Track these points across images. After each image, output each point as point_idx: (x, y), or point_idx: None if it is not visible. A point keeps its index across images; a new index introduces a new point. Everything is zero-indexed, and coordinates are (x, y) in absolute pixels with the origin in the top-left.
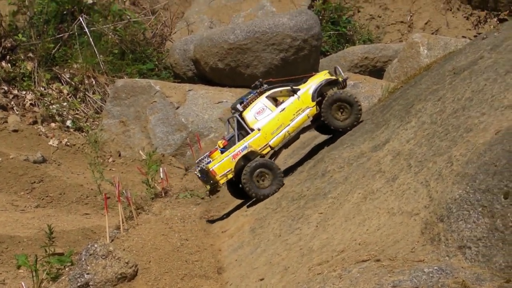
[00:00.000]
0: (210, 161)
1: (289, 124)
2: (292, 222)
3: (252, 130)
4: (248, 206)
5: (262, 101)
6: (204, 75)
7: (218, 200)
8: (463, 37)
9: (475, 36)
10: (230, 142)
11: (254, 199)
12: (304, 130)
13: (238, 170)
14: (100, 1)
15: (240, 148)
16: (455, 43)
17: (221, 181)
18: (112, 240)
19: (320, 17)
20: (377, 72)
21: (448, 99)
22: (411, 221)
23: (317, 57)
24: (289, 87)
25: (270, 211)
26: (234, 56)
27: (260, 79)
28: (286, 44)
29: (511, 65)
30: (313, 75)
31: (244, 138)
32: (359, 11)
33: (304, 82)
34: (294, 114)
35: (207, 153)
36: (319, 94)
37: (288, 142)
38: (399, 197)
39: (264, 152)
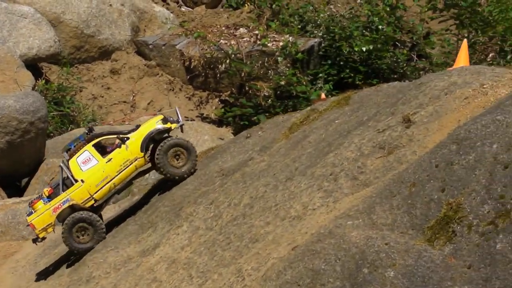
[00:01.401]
0: (31, 212)
1: (115, 176)
2: None
3: (76, 181)
4: None
5: (89, 150)
6: None
7: None
8: (186, 117)
9: (197, 117)
10: (56, 190)
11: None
12: (139, 174)
13: (63, 219)
14: None
15: (61, 201)
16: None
17: (41, 235)
18: None
19: (43, 98)
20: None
21: (223, 203)
22: None
23: (44, 139)
24: (117, 135)
25: None
26: None
27: (91, 124)
28: (12, 127)
29: (290, 171)
30: (145, 122)
31: (67, 190)
32: (81, 91)
33: (134, 130)
34: (121, 165)
35: (30, 202)
36: (150, 143)
37: (118, 191)
38: None
39: (88, 205)
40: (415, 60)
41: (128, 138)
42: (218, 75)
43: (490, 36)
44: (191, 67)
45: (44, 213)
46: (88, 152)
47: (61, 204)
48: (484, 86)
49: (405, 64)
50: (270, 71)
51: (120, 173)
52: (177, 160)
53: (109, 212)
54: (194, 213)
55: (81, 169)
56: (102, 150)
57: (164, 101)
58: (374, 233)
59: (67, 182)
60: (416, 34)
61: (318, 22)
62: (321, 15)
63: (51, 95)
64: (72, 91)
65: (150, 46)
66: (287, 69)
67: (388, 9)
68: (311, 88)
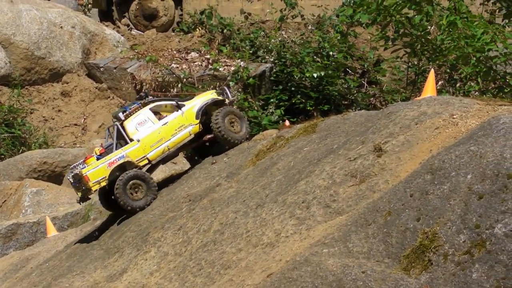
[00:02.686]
0: (85, 167)
1: (169, 139)
2: None
3: (132, 140)
4: None
5: (145, 113)
6: None
7: None
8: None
9: None
10: (108, 151)
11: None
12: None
13: (112, 181)
14: None
15: (117, 156)
16: None
17: (94, 188)
18: None
19: None
20: (56, 177)
21: (191, 229)
22: None
23: None
24: (174, 102)
25: None
26: None
27: (146, 90)
28: None
29: (260, 198)
30: (199, 94)
31: (122, 148)
32: (32, 113)
33: (190, 99)
34: (176, 130)
35: (82, 159)
36: (204, 113)
37: (166, 158)
38: None
39: (141, 164)
40: (365, 86)
41: (184, 105)
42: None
43: (439, 64)
44: (143, 90)
45: (99, 167)
46: (144, 114)
47: (117, 159)
48: (454, 116)
49: (355, 91)
50: None
51: (174, 137)
52: (233, 126)
53: (71, 236)
54: (162, 238)
55: (137, 129)
56: (157, 115)
57: None
58: (350, 261)
59: (120, 143)
60: (366, 61)
61: (270, 48)
62: (273, 40)
63: (2, 117)
64: (23, 113)
65: (101, 69)
66: (239, 94)
67: (339, 36)
68: (262, 113)
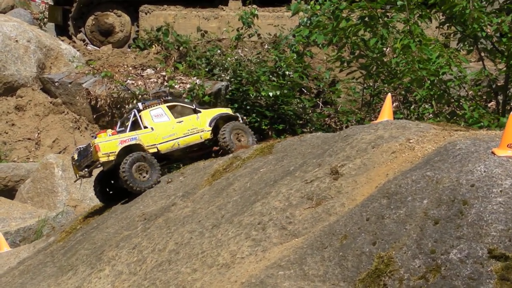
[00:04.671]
0: (96, 138)
1: (181, 137)
2: None
3: (146, 127)
4: None
5: (162, 108)
6: None
7: None
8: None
9: None
10: (120, 133)
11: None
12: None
13: (116, 164)
14: None
15: (130, 136)
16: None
17: (102, 159)
18: None
19: None
20: (8, 192)
21: (146, 248)
22: None
23: None
24: (192, 106)
25: None
26: None
27: (165, 90)
28: None
29: (216, 219)
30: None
31: (137, 131)
32: None
33: (208, 109)
34: (189, 130)
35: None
36: (216, 124)
37: (172, 157)
38: None
39: (150, 151)
40: (320, 107)
41: (200, 112)
42: (125, 115)
43: (394, 87)
44: (98, 106)
45: (111, 141)
46: (162, 109)
47: (130, 139)
48: (411, 141)
49: (310, 111)
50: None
51: (186, 136)
52: (239, 140)
53: (24, 252)
54: (117, 257)
55: (152, 120)
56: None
57: (69, 139)
58: (306, 284)
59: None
60: (322, 81)
61: (226, 66)
62: (229, 58)
63: None
64: None
65: (56, 84)
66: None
67: (295, 56)
68: None
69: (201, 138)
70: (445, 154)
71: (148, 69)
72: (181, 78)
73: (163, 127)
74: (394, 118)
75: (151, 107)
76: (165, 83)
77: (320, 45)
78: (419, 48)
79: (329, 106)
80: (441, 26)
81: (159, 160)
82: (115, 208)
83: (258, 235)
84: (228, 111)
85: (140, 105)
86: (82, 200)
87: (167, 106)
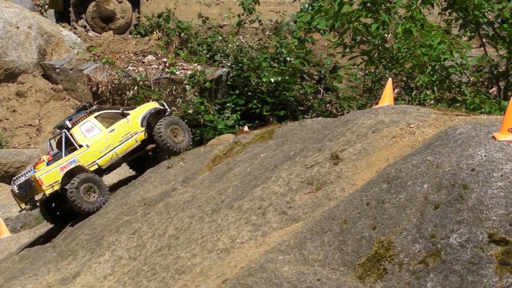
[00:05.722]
0: (36, 171)
1: (117, 145)
2: None
3: (81, 146)
4: None
5: (92, 120)
6: None
7: None
8: None
9: None
10: (56, 158)
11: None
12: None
13: (61, 188)
14: None
15: (68, 161)
16: None
17: (47, 192)
18: None
19: None
20: (9, 178)
21: (146, 233)
22: None
23: None
24: (119, 111)
25: None
26: None
27: (89, 102)
28: None
29: (216, 204)
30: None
31: (73, 153)
32: None
33: (133, 109)
34: (123, 137)
35: (32, 166)
36: (148, 122)
37: (112, 166)
38: None
39: (91, 169)
40: (322, 93)
41: (129, 114)
42: (126, 101)
43: (396, 73)
44: (99, 92)
45: (51, 170)
46: (91, 122)
47: (69, 164)
48: (411, 125)
49: (312, 97)
50: (178, 99)
51: (122, 143)
52: (175, 136)
53: (25, 238)
54: (117, 242)
55: (85, 136)
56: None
57: None
58: (305, 268)
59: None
60: (323, 67)
61: (227, 52)
62: (230, 45)
63: None
64: None
65: (57, 70)
66: (195, 97)
67: (296, 42)
68: (218, 117)
69: (136, 141)
70: (446, 138)
71: (149, 56)
72: (182, 65)
73: (97, 141)
74: (395, 104)
75: (79, 121)
76: (166, 70)
77: (321, 31)
78: (421, 33)
79: (330, 92)
80: (443, 12)
81: (101, 173)
82: (115, 194)
83: (258, 220)
84: (155, 105)
85: (68, 122)
86: None
87: (95, 117)
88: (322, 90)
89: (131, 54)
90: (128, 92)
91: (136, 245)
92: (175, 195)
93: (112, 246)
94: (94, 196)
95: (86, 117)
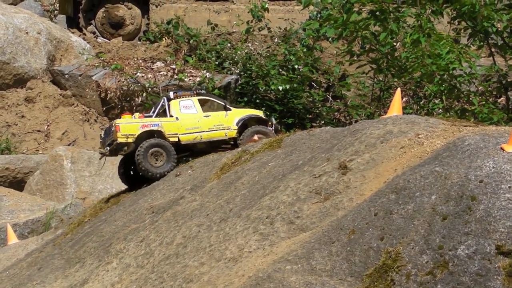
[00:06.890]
0: (120, 119)
1: (205, 131)
2: None
3: (171, 116)
4: None
5: (192, 100)
6: None
7: None
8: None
9: None
10: (146, 118)
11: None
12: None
13: (134, 148)
14: None
15: (152, 122)
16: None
17: (120, 140)
18: None
19: None
20: (17, 183)
21: (154, 241)
22: None
23: None
24: (223, 103)
25: None
26: None
27: (200, 86)
28: None
29: (224, 212)
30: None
31: (161, 118)
32: None
33: (240, 108)
34: (215, 125)
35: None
36: (244, 124)
37: (191, 148)
38: None
39: (171, 139)
40: (330, 101)
41: (231, 110)
42: (134, 107)
43: (405, 82)
44: (107, 98)
45: (133, 123)
46: (191, 101)
47: (151, 125)
48: (420, 136)
49: (320, 105)
50: None
51: (211, 131)
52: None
53: (32, 244)
54: (124, 250)
55: (180, 110)
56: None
57: (79, 132)
58: (313, 278)
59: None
60: (332, 75)
61: (236, 59)
62: (239, 52)
63: None
64: None
65: (66, 76)
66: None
67: (305, 49)
68: None
69: (226, 135)
70: (454, 149)
71: (158, 62)
72: (191, 71)
73: (188, 119)
74: (404, 113)
75: (183, 97)
76: (175, 76)
77: (330, 39)
78: (430, 43)
79: (338, 101)
80: (452, 22)
81: (180, 151)
82: (123, 201)
83: (266, 229)
84: (259, 113)
85: (171, 93)
86: (91, 193)
87: (198, 100)
88: (330, 98)
89: (140, 61)
90: (136, 99)
91: (144, 253)
92: (183, 203)
93: (120, 253)
94: (161, 161)
95: (190, 97)
